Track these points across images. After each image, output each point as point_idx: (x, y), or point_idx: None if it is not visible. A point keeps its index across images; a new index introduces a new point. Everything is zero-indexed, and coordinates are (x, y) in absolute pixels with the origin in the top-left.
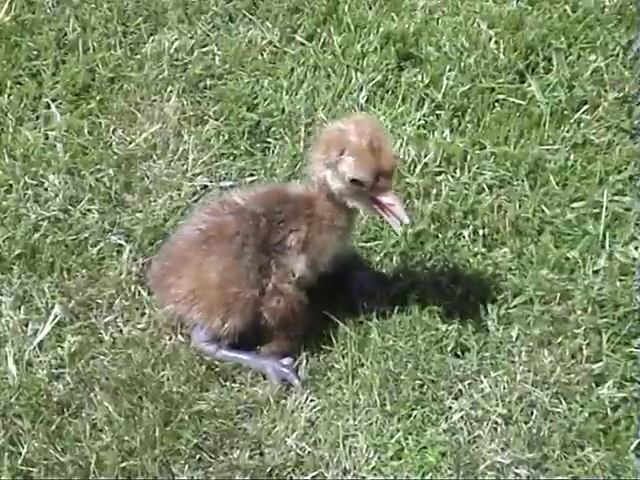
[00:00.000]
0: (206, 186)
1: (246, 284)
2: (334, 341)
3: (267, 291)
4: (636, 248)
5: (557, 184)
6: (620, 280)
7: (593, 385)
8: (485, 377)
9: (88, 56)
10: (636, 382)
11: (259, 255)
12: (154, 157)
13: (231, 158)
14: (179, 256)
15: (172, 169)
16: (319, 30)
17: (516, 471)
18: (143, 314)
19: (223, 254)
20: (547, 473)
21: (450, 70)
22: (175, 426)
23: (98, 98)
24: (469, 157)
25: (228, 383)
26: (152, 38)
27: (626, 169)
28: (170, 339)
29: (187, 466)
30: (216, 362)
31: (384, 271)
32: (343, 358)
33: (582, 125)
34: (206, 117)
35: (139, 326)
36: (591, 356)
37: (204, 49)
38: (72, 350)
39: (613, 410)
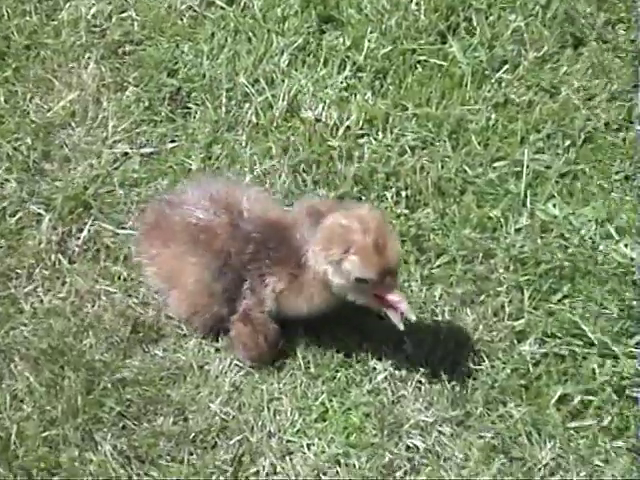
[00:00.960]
0: (127, 153)
1: (216, 301)
2: None
3: (237, 312)
4: (554, 205)
5: (479, 144)
6: (541, 237)
7: (515, 342)
8: (409, 337)
9: (2, 23)
10: (557, 337)
11: (238, 276)
12: (73, 125)
13: (152, 124)
14: (169, 234)
15: (91, 137)
16: None
17: (440, 429)
18: (64, 283)
19: (204, 265)
20: (470, 430)
21: (371, 32)
22: (98, 394)
23: (14, 66)
24: (391, 119)
25: (151, 350)
26: (69, 4)
27: (544, 127)
28: (93, 307)
29: (110, 434)
30: (138, 329)
31: None
32: None
33: (503, 85)
34: (125, 83)
35: (60, 295)
36: (513, 313)
37: (122, 14)
38: None
39: (535, 366)
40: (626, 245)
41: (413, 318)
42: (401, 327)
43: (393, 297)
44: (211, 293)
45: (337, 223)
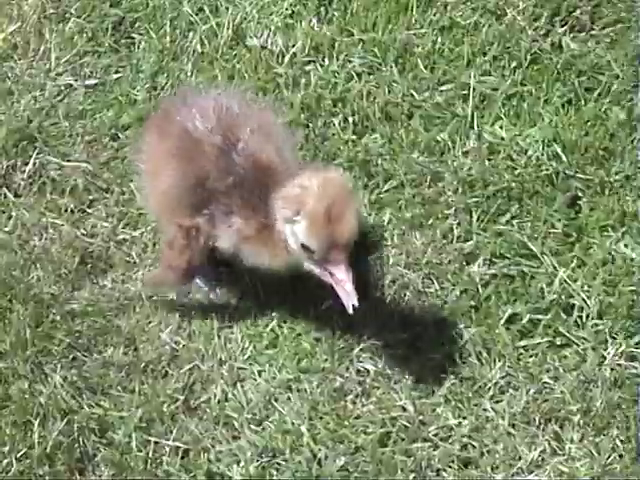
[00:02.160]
0: (71, 85)
1: (183, 212)
2: None
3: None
4: (501, 127)
5: (425, 68)
6: (489, 159)
7: (464, 264)
8: (358, 262)
9: None
10: (505, 258)
11: (206, 198)
12: (15, 57)
13: (95, 56)
14: (166, 132)
15: (34, 69)
16: None
17: (390, 352)
18: (10, 217)
19: (181, 174)
20: (420, 352)
21: None
22: (47, 327)
23: None
24: (337, 45)
25: (100, 281)
26: None
27: (490, 50)
28: (40, 240)
29: (60, 366)
30: (87, 260)
31: None
32: None
33: (449, 8)
34: (68, 14)
35: (6, 229)
36: (461, 235)
37: None
38: None
39: (484, 287)
40: (626, 245)
41: (354, 304)
42: (349, 310)
43: (338, 274)
44: (179, 202)
45: (299, 182)
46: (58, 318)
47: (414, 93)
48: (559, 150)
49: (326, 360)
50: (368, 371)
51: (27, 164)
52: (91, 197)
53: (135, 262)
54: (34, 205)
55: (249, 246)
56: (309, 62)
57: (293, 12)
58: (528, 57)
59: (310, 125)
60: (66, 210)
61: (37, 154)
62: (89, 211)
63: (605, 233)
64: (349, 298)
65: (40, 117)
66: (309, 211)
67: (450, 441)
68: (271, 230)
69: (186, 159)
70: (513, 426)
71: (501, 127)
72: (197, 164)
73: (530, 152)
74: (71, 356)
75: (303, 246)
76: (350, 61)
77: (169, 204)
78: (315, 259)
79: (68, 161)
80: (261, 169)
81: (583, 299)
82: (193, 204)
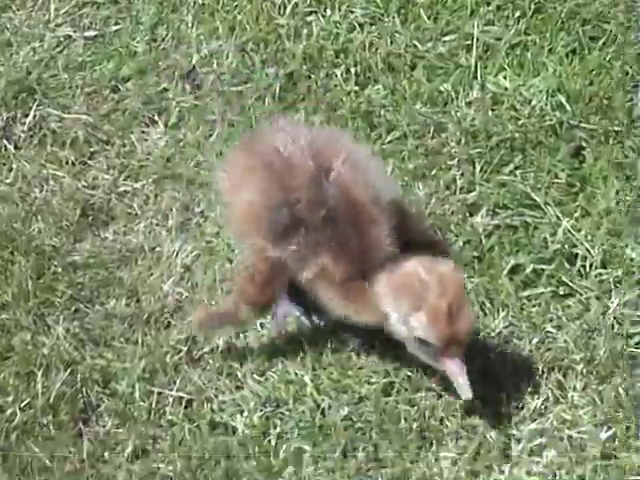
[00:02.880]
0: (70, 36)
1: (261, 232)
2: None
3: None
4: (505, 77)
5: (428, 18)
6: (492, 110)
7: (467, 214)
8: None
9: None
10: (508, 209)
11: (292, 224)
12: (13, 8)
13: (95, 7)
14: (250, 152)
15: (33, 20)
16: None
17: None
18: (10, 169)
19: (264, 189)
20: None
21: None
22: (48, 278)
23: None
24: None
25: (101, 233)
26: None
27: None
28: (40, 192)
29: (62, 317)
30: (88, 213)
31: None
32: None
33: None
34: None
35: (7, 181)
36: (465, 186)
37: None
38: None
39: (487, 237)
40: (626, 245)
41: (469, 396)
42: (463, 397)
43: (452, 367)
44: (260, 222)
45: (416, 274)
46: (60, 270)
47: (417, 44)
48: (563, 100)
49: None
50: None
51: (27, 116)
52: (92, 149)
53: (137, 214)
54: (35, 157)
55: (333, 293)
56: (311, 13)
57: None
58: (532, 6)
59: (312, 76)
60: (67, 162)
61: (37, 106)
62: (90, 163)
63: (609, 183)
64: (462, 390)
65: (39, 69)
66: (431, 308)
67: (452, 391)
68: (356, 284)
69: (273, 175)
70: (516, 375)
71: (505, 77)
72: (285, 183)
73: (534, 102)
74: (73, 308)
75: (419, 339)
76: (352, 12)
77: (250, 222)
78: (428, 352)
79: (68, 113)
80: (354, 205)
81: (587, 249)
82: (278, 229)
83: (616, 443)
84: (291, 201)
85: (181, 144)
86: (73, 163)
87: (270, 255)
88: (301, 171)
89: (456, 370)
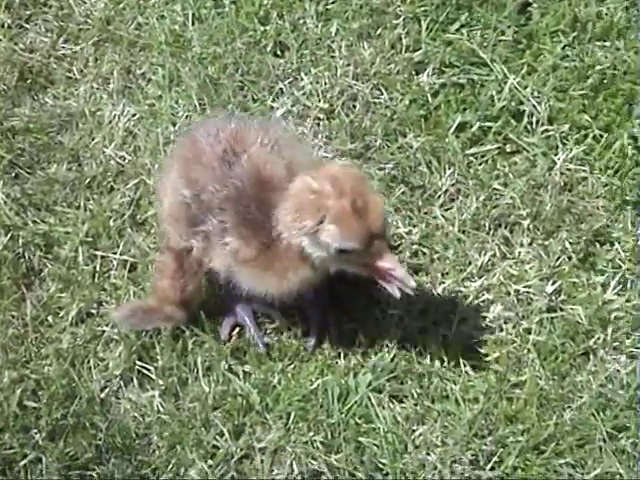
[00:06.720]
0: None
1: (182, 226)
2: None
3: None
4: None
5: None
6: None
7: (413, 73)
8: (306, 74)
9: None
10: (455, 67)
11: (204, 213)
12: None
13: None
14: (180, 150)
15: None
16: None
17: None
18: None
19: (180, 184)
20: (370, 162)
21: None
22: None
23: None
24: None
25: (40, 97)
26: None
27: None
28: None
29: (2, 182)
30: (27, 76)
31: None
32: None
33: None
34: None
35: None
36: (410, 45)
37: None
38: None
39: (433, 96)
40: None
41: (412, 284)
42: (397, 295)
43: (384, 264)
44: (179, 215)
45: (307, 187)
46: None
47: None
48: None
49: None
50: None
51: None
52: (29, 12)
53: (76, 78)
54: None
55: (247, 270)
56: None
57: None
58: None
59: None
60: (3, 25)
61: None
62: (27, 26)
63: (555, 39)
64: (405, 282)
65: None
66: (335, 213)
67: (400, 249)
68: (275, 251)
69: (188, 166)
70: (463, 232)
71: None
72: (192, 175)
73: None
74: (13, 173)
75: (340, 251)
76: None
77: (168, 223)
78: (355, 260)
79: None
80: (262, 183)
81: (533, 105)
82: (189, 219)
83: (561, 296)
84: (196, 191)
85: (121, 6)
86: (10, 26)
87: (176, 246)
88: (210, 157)
89: (390, 266)
